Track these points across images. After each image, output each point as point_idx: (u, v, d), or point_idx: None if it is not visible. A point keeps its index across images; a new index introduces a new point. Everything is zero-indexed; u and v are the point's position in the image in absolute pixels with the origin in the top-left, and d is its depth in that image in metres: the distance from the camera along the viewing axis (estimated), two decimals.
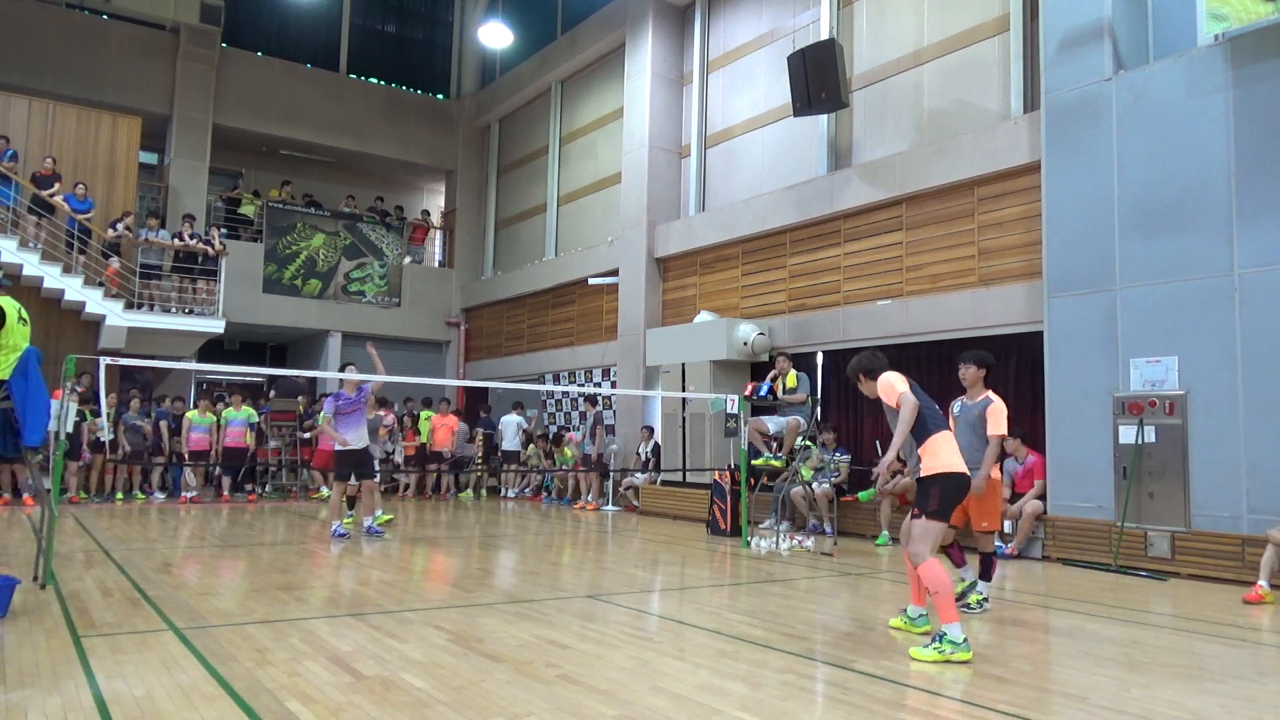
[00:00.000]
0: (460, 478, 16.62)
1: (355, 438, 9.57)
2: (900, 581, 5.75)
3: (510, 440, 15.99)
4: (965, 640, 4.53)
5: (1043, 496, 8.81)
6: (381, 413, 14.74)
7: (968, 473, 5.02)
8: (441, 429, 15.62)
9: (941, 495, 4.89)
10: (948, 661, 4.46)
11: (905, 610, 5.31)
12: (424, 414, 15.94)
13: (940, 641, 4.53)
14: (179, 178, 17.71)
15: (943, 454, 4.91)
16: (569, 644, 4.77)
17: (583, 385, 16.52)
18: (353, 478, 9.94)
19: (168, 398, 15.11)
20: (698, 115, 14.69)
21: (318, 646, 4.59)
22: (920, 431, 4.98)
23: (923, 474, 4.94)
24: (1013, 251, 9.93)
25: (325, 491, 14.28)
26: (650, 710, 3.64)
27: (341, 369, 9.95)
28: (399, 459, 15.43)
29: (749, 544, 9.47)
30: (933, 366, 10.87)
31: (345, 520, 10.50)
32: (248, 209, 18.60)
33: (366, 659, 4.36)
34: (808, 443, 10.49)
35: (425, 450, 15.74)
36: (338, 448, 9.62)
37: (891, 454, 4.99)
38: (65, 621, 5.01)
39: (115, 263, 14.89)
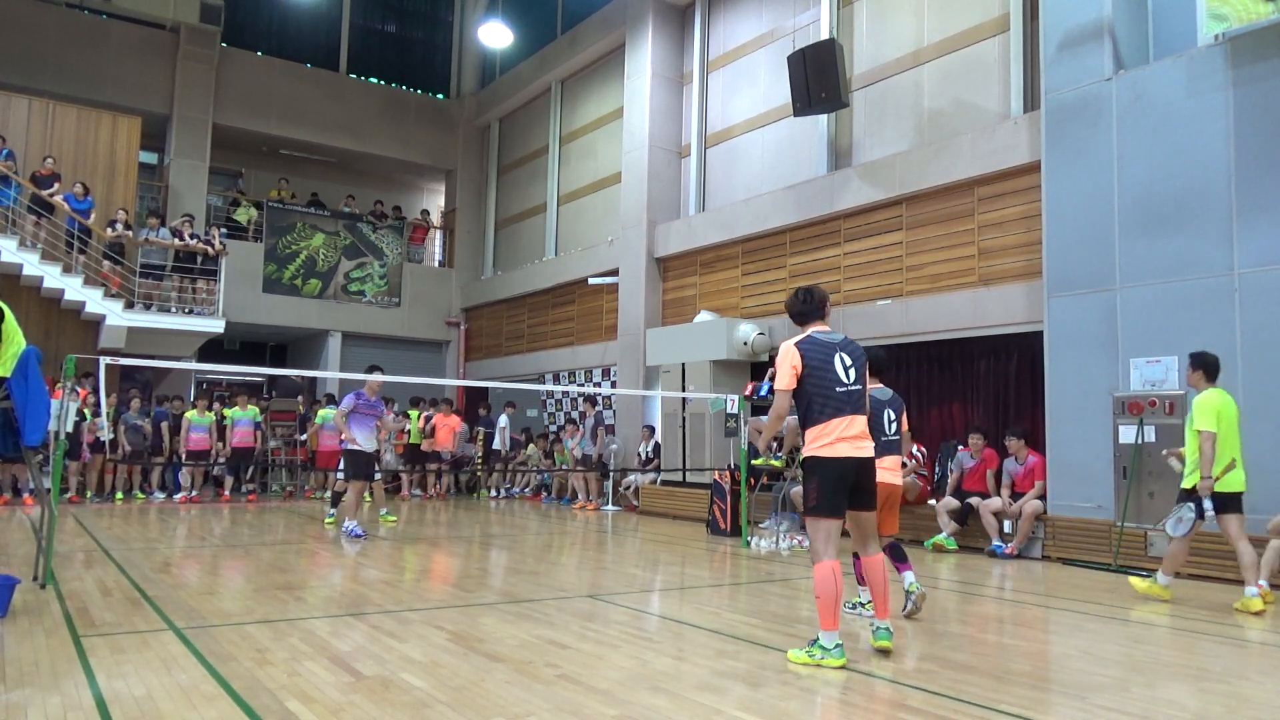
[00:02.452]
0: (460, 477, 16.63)
1: (366, 440, 9.63)
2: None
3: (496, 439, 16.02)
4: (837, 647, 4.32)
5: (1043, 496, 8.81)
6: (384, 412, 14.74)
7: (849, 455, 4.44)
8: (443, 429, 15.61)
9: (819, 487, 4.45)
10: (819, 666, 4.31)
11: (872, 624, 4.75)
12: (412, 414, 15.90)
13: (813, 646, 4.40)
14: (179, 178, 17.72)
15: (812, 441, 4.47)
16: (569, 644, 4.77)
17: (583, 385, 16.52)
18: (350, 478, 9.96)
19: (168, 398, 15.11)
20: (698, 115, 14.69)
21: (318, 646, 4.59)
22: (804, 418, 4.53)
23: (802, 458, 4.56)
24: (1013, 251, 9.93)
25: (326, 494, 14.31)
26: (650, 710, 3.64)
27: (369, 370, 9.98)
28: (389, 458, 15.41)
29: (749, 544, 9.47)
30: (933, 366, 10.88)
31: (327, 520, 10.57)
32: (241, 216, 18.54)
33: (366, 659, 4.36)
34: None
35: (416, 449, 15.71)
36: (350, 448, 9.64)
37: (760, 443, 4.66)
38: (65, 621, 5.01)
39: (107, 266, 14.84)
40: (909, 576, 5.67)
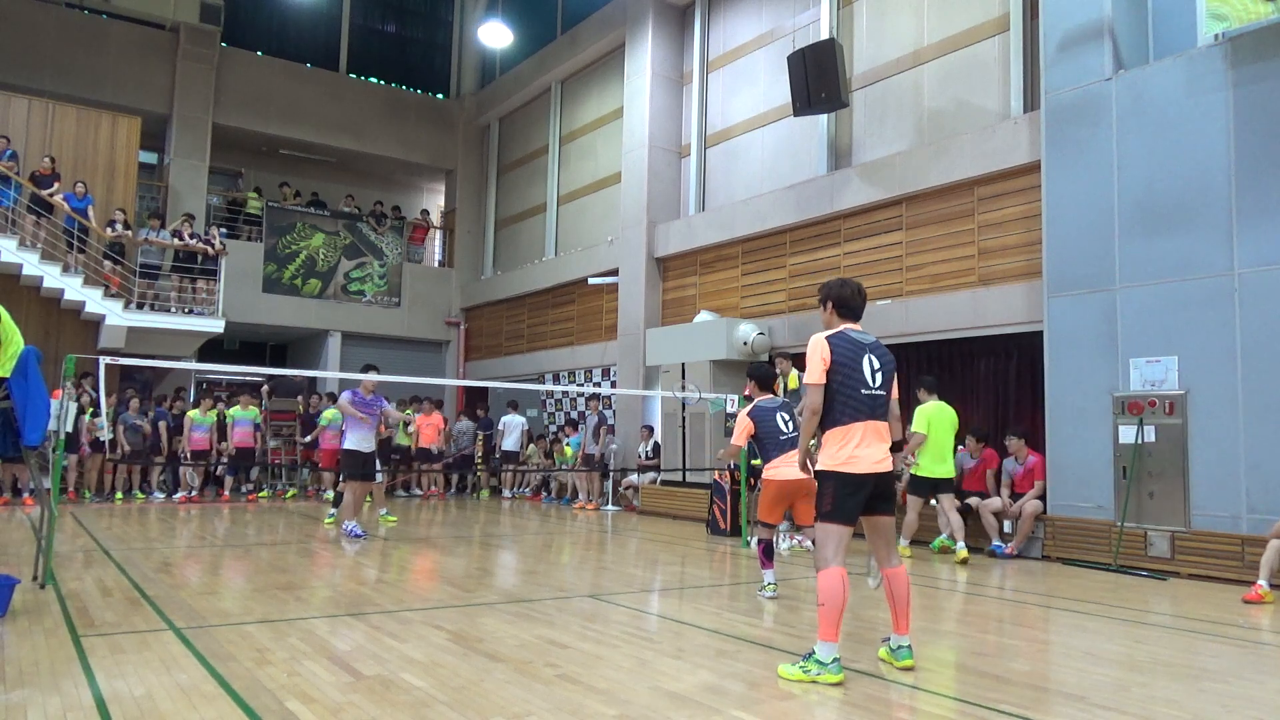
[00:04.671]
0: (465, 476, 16.63)
1: (364, 440, 9.62)
2: None
3: (511, 440, 16.01)
4: (835, 661, 4.07)
5: (1043, 496, 8.81)
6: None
7: (869, 472, 4.28)
8: (427, 428, 15.58)
9: (835, 494, 4.27)
10: (814, 682, 4.05)
11: (887, 640, 4.54)
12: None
13: (807, 660, 4.13)
14: (179, 177, 17.71)
15: (833, 447, 4.31)
16: (569, 644, 4.77)
17: (582, 385, 16.52)
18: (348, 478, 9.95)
19: (167, 397, 15.11)
20: (698, 115, 14.69)
21: (317, 646, 4.59)
22: (825, 419, 4.35)
23: (816, 468, 4.43)
24: (1012, 251, 9.93)
25: (329, 494, 14.30)
26: (650, 710, 3.64)
27: (364, 370, 9.95)
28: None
29: (749, 544, 9.47)
30: (933, 366, 10.87)
31: (327, 520, 10.57)
32: (254, 207, 18.63)
33: (366, 659, 4.36)
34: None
35: (401, 448, 15.67)
36: (349, 448, 9.63)
37: (799, 456, 4.53)
38: (65, 621, 5.01)
39: (107, 266, 14.82)
40: (769, 575, 6.49)
